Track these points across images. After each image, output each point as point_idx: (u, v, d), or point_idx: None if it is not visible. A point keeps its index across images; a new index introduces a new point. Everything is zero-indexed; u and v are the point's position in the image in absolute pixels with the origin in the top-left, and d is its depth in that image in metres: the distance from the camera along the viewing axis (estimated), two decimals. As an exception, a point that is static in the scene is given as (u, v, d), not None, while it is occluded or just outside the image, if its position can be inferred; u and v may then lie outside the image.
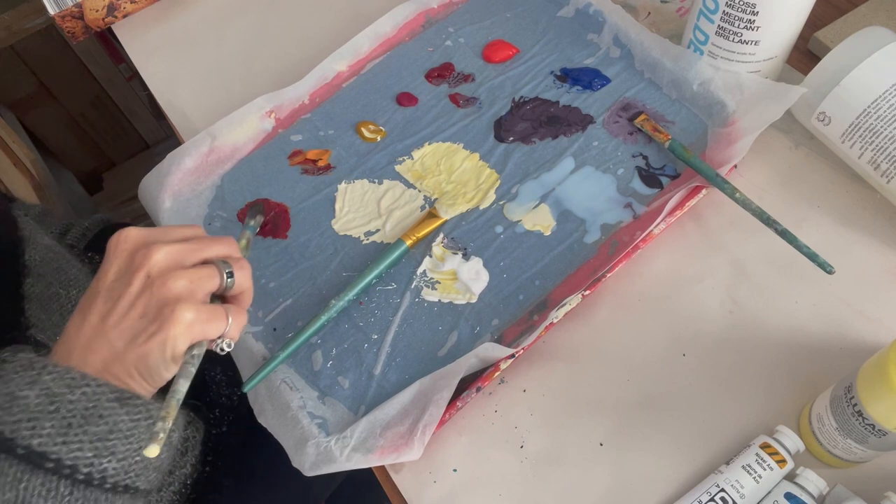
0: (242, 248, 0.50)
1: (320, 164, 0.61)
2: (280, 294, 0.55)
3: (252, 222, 0.55)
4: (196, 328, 0.38)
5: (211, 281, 0.39)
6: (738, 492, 0.41)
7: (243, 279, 0.41)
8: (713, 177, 0.51)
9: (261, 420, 0.48)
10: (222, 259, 0.41)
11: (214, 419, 0.61)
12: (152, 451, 0.34)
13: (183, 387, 0.37)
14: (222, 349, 0.40)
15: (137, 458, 0.39)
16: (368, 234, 0.56)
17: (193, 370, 0.38)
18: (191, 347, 0.39)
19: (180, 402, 0.37)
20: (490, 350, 0.46)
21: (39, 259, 0.52)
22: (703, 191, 0.52)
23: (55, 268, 0.53)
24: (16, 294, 0.49)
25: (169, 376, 0.39)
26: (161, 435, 0.35)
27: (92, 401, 0.37)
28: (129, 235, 0.39)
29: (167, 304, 0.37)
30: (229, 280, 0.40)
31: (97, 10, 0.73)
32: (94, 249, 0.63)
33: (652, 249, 0.52)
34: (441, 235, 0.55)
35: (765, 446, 0.42)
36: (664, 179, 0.55)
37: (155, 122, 1.52)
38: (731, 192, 0.50)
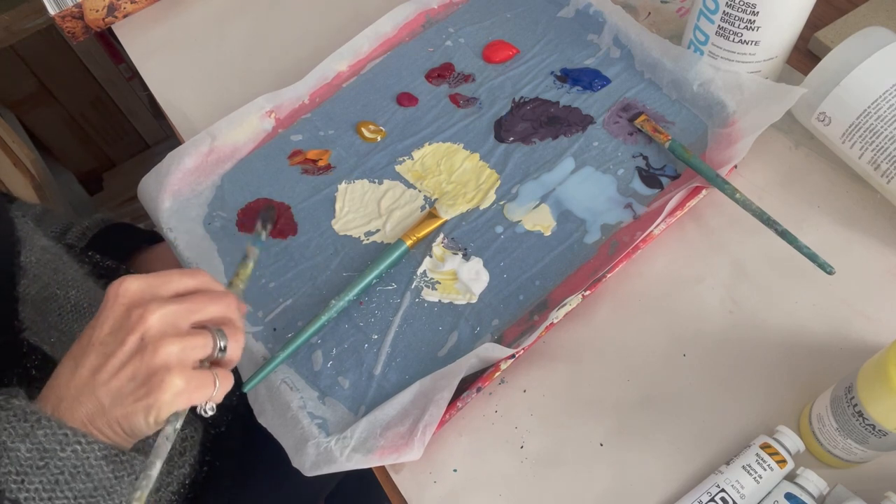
0: (248, 274, 0.49)
1: (320, 164, 0.61)
2: (280, 294, 0.54)
3: (263, 234, 0.53)
4: (183, 396, 0.38)
5: (203, 351, 0.39)
6: (738, 492, 0.41)
7: (234, 352, 0.41)
8: (713, 177, 0.51)
9: (261, 420, 0.48)
10: (220, 323, 0.41)
11: (213, 419, 0.60)
12: None
13: (156, 470, 0.37)
14: (205, 412, 0.40)
15: None
16: (368, 234, 0.56)
17: (169, 445, 0.38)
18: (173, 416, 0.38)
19: (150, 486, 0.36)
20: (490, 350, 0.46)
21: (35, 260, 0.52)
22: (704, 191, 0.52)
23: (52, 269, 0.53)
24: (10, 296, 0.49)
25: (150, 433, 0.40)
26: None
27: (81, 459, 0.37)
28: (129, 288, 0.38)
29: (157, 371, 0.37)
30: (220, 354, 0.40)
31: (97, 10, 0.73)
32: (93, 249, 0.63)
33: (652, 250, 0.52)
34: (441, 236, 0.55)
35: (765, 446, 0.42)
36: (664, 180, 0.55)
37: (155, 122, 1.52)
38: (731, 192, 0.50)
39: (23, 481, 0.36)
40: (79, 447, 0.37)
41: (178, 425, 0.39)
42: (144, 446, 0.42)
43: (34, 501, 0.36)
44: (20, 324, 0.48)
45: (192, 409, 0.40)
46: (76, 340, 0.40)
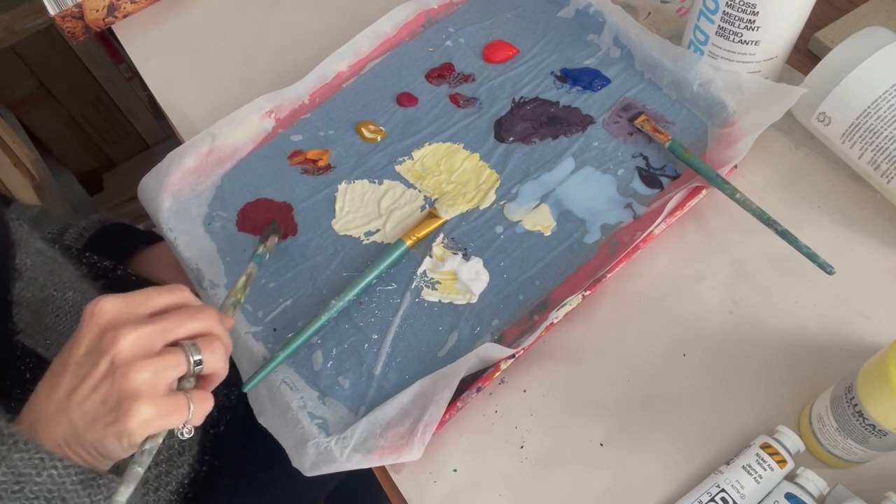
0: (240, 287, 0.49)
1: (320, 164, 0.61)
2: (280, 294, 0.54)
3: (261, 248, 0.53)
4: (154, 423, 0.37)
5: (177, 370, 0.38)
6: (738, 492, 0.41)
7: (215, 362, 0.40)
8: (713, 177, 0.51)
9: (261, 420, 0.48)
10: (196, 338, 0.40)
11: (212, 419, 0.60)
12: None
13: (123, 496, 0.36)
14: (182, 435, 0.39)
15: None
16: (369, 234, 0.56)
17: (141, 471, 0.37)
18: (148, 439, 0.38)
19: None
20: (490, 350, 0.46)
21: (31, 263, 0.52)
22: (704, 191, 0.52)
23: (48, 271, 0.53)
24: (3, 300, 0.48)
25: (125, 456, 0.39)
26: None
27: (56, 483, 0.37)
28: (104, 309, 0.38)
29: (127, 397, 0.36)
30: (197, 368, 0.39)
31: (97, 11, 0.73)
32: (91, 250, 0.63)
33: (652, 250, 0.52)
34: (441, 236, 0.55)
35: (765, 446, 0.42)
36: (664, 180, 0.55)
37: (155, 122, 1.52)
38: (731, 192, 0.50)
39: None
40: (55, 472, 0.37)
41: (150, 447, 0.38)
42: (123, 465, 0.41)
43: None
44: (14, 326, 0.48)
45: (170, 431, 0.39)
46: (55, 359, 0.39)
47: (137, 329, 0.37)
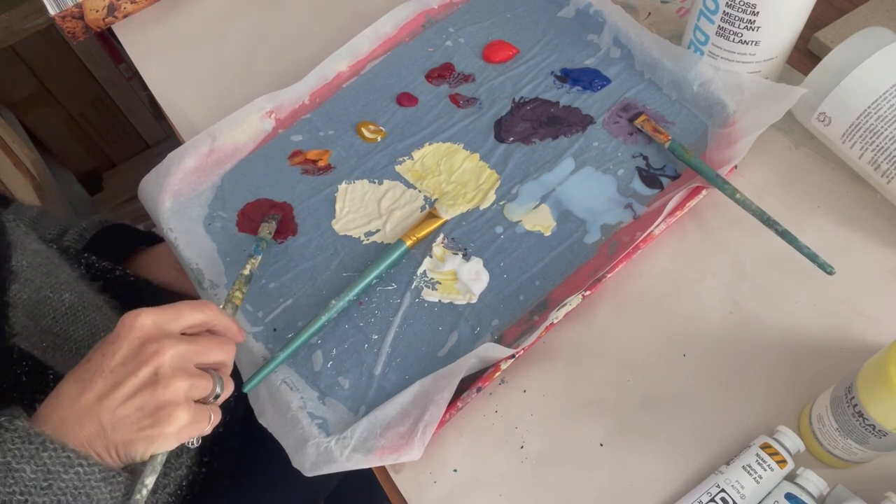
0: (242, 284, 0.52)
1: (320, 164, 0.61)
2: (280, 294, 0.54)
3: (266, 232, 0.54)
4: (187, 430, 0.41)
5: (204, 392, 0.42)
6: (738, 492, 0.41)
7: (225, 395, 0.44)
8: (713, 177, 0.51)
9: (261, 420, 0.48)
10: (218, 367, 0.43)
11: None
12: None
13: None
14: (193, 444, 0.42)
15: None
16: (369, 234, 0.56)
17: (146, 493, 0.41)
18: (153, 457, 0.41)
19: None
20: (490, 350, 0.46)
21: (27, 265, 0.52)
22: (704, 191, 0.52)
23: (45, 272, 0.53)
24: (0, 301, 0.48)
25: (139, 461, 0.42)
26: None
27: (83, 480, 0.39)
28: (144, 323, 0.40)
29: (167, 405, 0.39)
30: (214, 399, 0.43)
31: (97, 11, 0.73)
32: (91, 250, 0.63)
33: (652, 250, 0.52)
34: (441, 236, 0.55)
35: (765, 446, 0.42)
36: (664, 180, 0.55)
37: (155, 122, 1.52)
38: (731, 192, 0.50)
39: (26, 501, 0.38)
40: (81, 469, 0.39)
41: (157, 464, 0.41)
42: (135, 466, 0.44)
43: None
44: (10, 329, 0.48)
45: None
46: (82, 363, 0.41)
47: (178, 346, 0.40)
